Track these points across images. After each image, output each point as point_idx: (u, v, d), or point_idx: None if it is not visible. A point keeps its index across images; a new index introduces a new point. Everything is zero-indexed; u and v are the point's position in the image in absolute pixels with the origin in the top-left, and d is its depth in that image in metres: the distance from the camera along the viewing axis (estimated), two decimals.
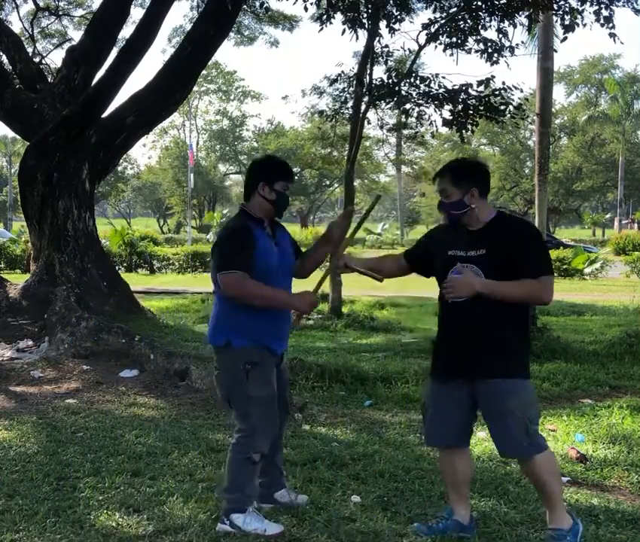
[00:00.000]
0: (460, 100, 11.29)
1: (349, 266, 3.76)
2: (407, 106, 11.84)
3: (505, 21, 10.88)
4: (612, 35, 10.12)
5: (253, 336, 3.66)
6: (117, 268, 16.97)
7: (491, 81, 11.20)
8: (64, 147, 10.15)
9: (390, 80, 11.58)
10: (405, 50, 12.59)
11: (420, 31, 11.50)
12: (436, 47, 11.48)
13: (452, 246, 3.53)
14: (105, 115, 10.65)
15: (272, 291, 3.64)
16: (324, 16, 11.38)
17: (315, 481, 4.37)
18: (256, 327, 3.67)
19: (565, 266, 24.31)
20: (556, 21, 10.88)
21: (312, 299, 3.69)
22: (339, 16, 11.48)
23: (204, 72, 38.56)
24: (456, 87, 11.24)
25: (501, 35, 11.00)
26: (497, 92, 11.31)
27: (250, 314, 3.64)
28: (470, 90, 11.19)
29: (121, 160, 33.12)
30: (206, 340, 3.92)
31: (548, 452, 3.52)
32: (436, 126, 11.89)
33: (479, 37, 11.13)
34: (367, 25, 11.71)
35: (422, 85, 11.45)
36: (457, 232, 3.56)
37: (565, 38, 10.61)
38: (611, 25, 10.04)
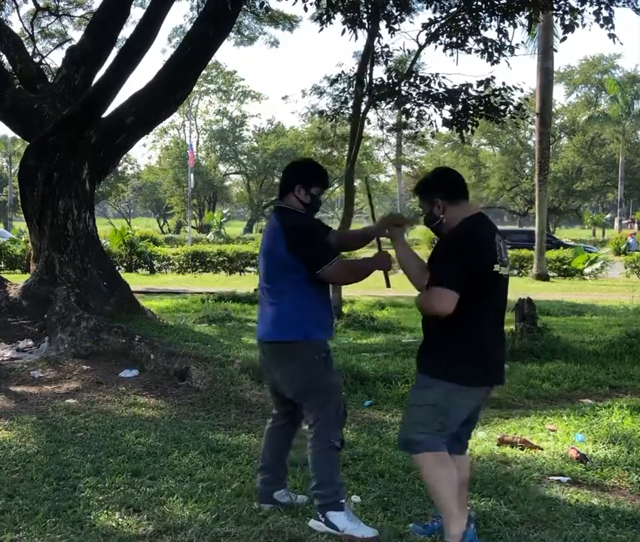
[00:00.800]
0: (460, 100, 11.29)
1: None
2: (407, 106, 11.85)
3: (505, 21, 10.89)
4: (611, 36, 10.15)
5: (323, 327, 3.81)
6: (117, 268, 16.94)
7: (491, 81, 11.20)
8: (64, 147, 10.14)
9: (390, 80, 11.58)
10: (405, 50, 12.62)
11: (420, 31, 11.52)
12: (436, 47, 11.49)
13: None
14: (105, 115, 10.64)
15: (363, 261, 3.95)
16: (324, 16, 11.38)
17: None
18: (324, 318, 3.82)
19: (565, 266, 24.37)
20: (556, 21, 10.91)
21: (388, 255, 3.82)
22: (339, 16, 11.49)
23: (204, 72, 38.55)
24: (456, 87, 11.24)
25: (501, 35, 11.02)
26: (497, 92, 11.31)
27: (319, 306, 3.79)
28: (470, 90, 11.19)
29: (121, 160, 33.14)
30: (266, 337, 3.83)
31: (431, 456, 3.38)
32: (436, 126, 11.89)
33: (479, 37, 11.13)
34: (366, 25, 11.70)
35: (422, 85, 11.45)
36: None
37: (564, 38, 10.64)
38: (610, 25, 10.05)
